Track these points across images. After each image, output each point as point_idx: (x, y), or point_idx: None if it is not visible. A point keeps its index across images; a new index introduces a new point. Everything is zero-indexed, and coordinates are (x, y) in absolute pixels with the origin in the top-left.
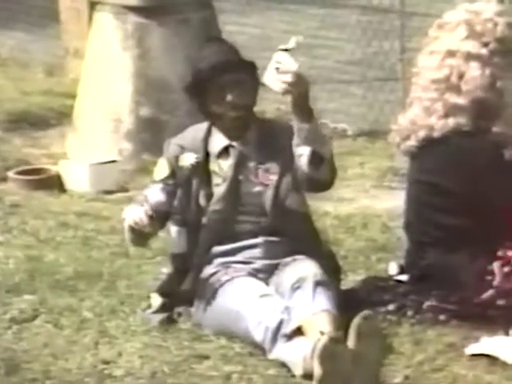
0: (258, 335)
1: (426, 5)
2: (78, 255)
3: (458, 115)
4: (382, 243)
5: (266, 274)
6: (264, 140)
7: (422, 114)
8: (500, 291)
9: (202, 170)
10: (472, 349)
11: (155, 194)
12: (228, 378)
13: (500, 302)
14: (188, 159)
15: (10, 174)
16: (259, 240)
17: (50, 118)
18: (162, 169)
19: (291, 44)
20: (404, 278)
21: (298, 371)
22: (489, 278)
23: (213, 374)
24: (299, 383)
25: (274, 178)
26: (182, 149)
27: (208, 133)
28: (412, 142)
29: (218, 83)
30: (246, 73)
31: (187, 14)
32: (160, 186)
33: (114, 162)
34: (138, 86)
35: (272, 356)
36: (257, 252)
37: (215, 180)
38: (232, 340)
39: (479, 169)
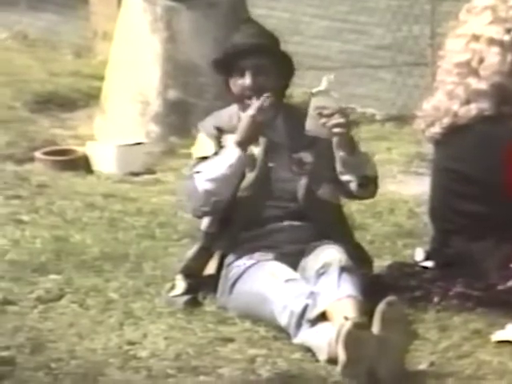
0: (283, 319)
1: None
2: (105, 236)
3: (480, 100)
4: (408, 229)
5: (292, 258)
6: (294, 127)
7: (445, 98)
8: None
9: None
10: (498, 335)
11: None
12: (252, 362)
13: None
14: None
15: (37, 154)
16: (285, 224)
17: (77, 99)
18: (206, 146)
19: (323, 85)
20: (430, 264)
21: (322, 356)
22: None
23: (237, 357)
24: (324, 368)
25: (308, 167)
26: (220, 131)
27: (238, 117)
28: (436, 129)
29: (239, 66)
30: (269, 57)
31: None
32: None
33: (141, 144)
34: (166, 68)
35: (297, 340)
36: (283, 236)
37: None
38: (257, 323)
39: (503, 155)
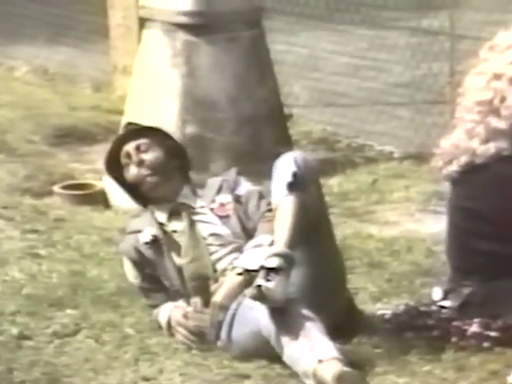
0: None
1: (476, 28)
2: (121, 271)
3: (499, 140)
4: (426, 268)
5: None
6: (201, 185)
7: (465, 136)
8: None
9: (164, 237)
10: None
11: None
12: None
13: None
14: (144, 237)
15: (56, 188)
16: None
17: (96, 133)
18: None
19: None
20: (447, 303)
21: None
22: None
23: None
24: None
25: (230, 206)
26: (138, 232)
27: (150, 209)
28: (454, 168)
29: (124, 151)
30: (149, 138)
31: (236, 33)
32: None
33: None
34: (185, 103)
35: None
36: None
37: (178, 237)
38: (273, 360)
39: None
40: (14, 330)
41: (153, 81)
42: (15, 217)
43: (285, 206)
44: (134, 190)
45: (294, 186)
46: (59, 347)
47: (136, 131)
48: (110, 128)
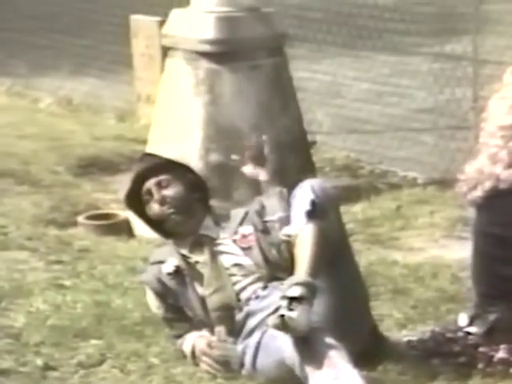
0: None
1: (499, 52)
2: (145, 301)
3: None
4: (451, 294)
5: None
6: (224, 216)
7: (488, 161)
8: None
9: (187, 268)
10: None
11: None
12: None
13: None
14: (167, 268)
15: (80, 218)
16: (267, 290)
17: (120, 163)
18: (154, 300)
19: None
20: (474, 329)
21: None
22: None
23: None
24: None
25: (252, 238)
26: (161, 263)
27: (173, 241)
28: (478, 193)
29: (145, 188)
30: (169, 173)
31: (259, 61)
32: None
33: None
34: (209, 132)
35: None
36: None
37: (201, 268)
38: None
39: None
40: (39, 361)
41: (176, 109)
42: (39, 248)
43: (305, 234)
44: (156, 223)
45: (312, 213)
46: (84, 377)
47: (156, 166)
48: (134, 157)
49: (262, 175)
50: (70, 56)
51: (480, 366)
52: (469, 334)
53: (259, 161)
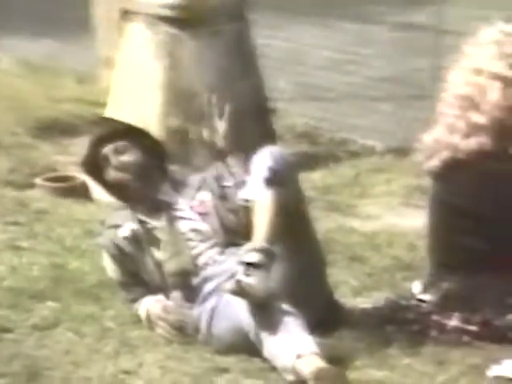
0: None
1: (463, 23)
2: (102, 264)
3: (480, 135)
4: (407, 262)
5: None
6: (182, 182)
7: (446, 131)
8: None
9: (144, 233)
10: (494, 371)
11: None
12: None
13: None
14: (124, 232)
15: (38, 180)
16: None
17: (79, 125)
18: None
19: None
20: (427, 297)
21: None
22: (510, 300)
23: None
24: None
25: (209, 204)
26: (118, 227)
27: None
28: (435, 162)
29: (102, 154)
30: (127, 139)
31: (220, 26)
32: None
33: None
34: (168, 96)
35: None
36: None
37: (158, 233)
38: (253, 354)
39: (503, 193)
40: None
41: (136, 73)
42: None
43: (263, 200)
44: (113, 188)
45: (271, 180)
46: (39, 339)
47: (113, 131)
48: (94, 120)
49: (221, 141)
50: (30, 18)
51: (433, 333)
52: (422, 301)
53: (218, 126)
